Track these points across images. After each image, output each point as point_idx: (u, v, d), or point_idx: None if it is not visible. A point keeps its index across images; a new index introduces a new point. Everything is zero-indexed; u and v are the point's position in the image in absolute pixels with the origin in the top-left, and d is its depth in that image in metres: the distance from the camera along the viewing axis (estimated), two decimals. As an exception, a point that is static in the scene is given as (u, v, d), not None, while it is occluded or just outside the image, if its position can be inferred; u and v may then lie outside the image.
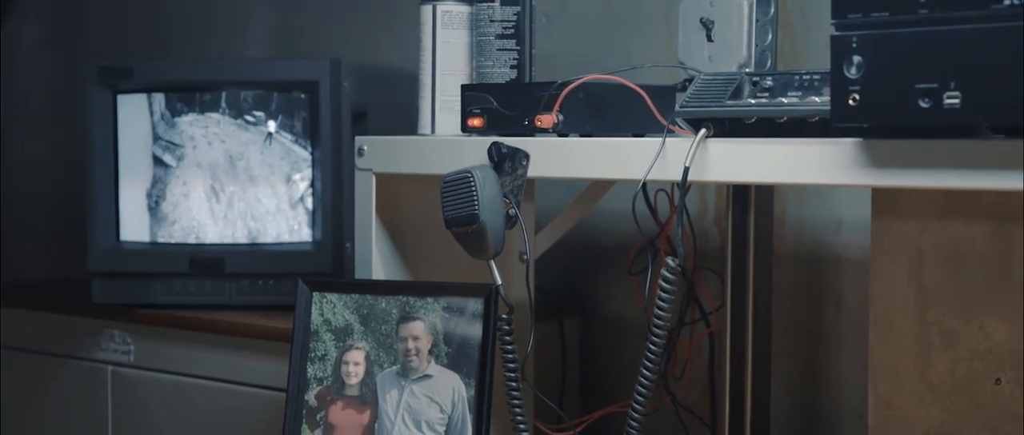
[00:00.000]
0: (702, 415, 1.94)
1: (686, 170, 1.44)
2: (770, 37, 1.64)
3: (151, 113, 2.24)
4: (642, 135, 1.63)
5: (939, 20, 1.22)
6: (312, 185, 2.19)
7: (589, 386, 2.25)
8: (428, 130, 1.86)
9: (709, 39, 1.64)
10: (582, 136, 1.63)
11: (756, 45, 1.62)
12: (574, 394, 2.21)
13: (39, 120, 3.18)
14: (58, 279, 2.91)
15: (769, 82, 1.44)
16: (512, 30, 1.79)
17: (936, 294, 1.58)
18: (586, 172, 1.61)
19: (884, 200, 1.62)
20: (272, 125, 2.20)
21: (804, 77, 1.42)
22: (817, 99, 1.39)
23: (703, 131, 1.45)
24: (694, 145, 1.44)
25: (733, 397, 1.84)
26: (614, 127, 1.65)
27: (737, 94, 1.45)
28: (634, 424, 1.54)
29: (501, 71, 1.79)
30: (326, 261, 2.17)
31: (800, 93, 1.41)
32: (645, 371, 1.52)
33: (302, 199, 2.20)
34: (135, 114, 2.24)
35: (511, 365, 1.64)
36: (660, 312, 1.51)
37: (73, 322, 2.38)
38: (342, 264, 2.17)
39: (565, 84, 1.61)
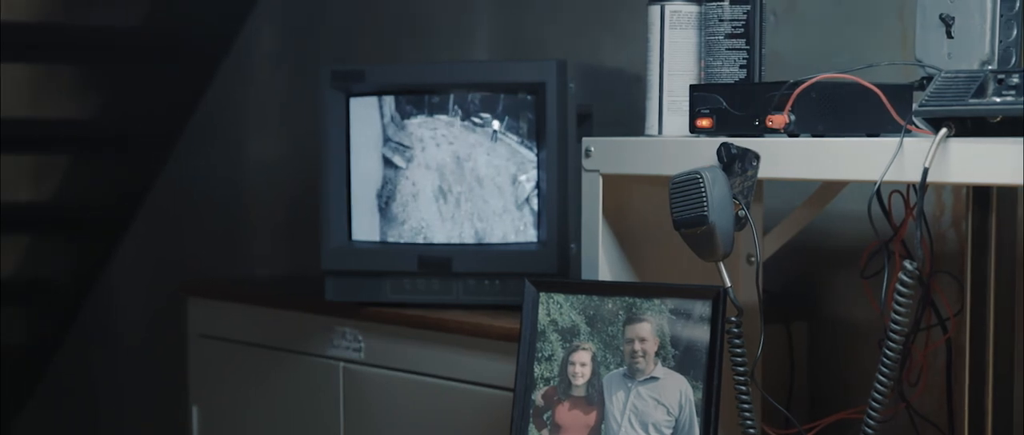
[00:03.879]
0: (939, 423, 1.88)
1: (925, 171, 1.40)
2: (1015, 32, 1.57)
3: (381, 115, 2.29)
4: (876, 135, 1.59)
5: None
6: (537, 186, 2.21)
7: (817, 391, 2.21)
8: (655, 131, 1.85)
9: (949, 36, 1.58)
10: (814, 136, 1.60)
11: (999, 41, 1.56)
12: (802, 399, 2.17)
13: (274, 122, 3.29)
14: (291, 276, 3.00)
15: (1016, 79, 1.38)
16: (742, 29, 1.77)
17: None
18: (819, 173, 1.58)
19: None
20: (498, 125, 2.22)
21: (1053, 74, 1.36)
22: (1068, 96, 1.34)
23: (944, 131, 1.40)
24: (934, 145, 1.40)
25: (972, 406, 1.77)
26: (847, 127, 1.61)
27: (981, 92, 1.40)
28: (869, 431, 1.50)
29: (730, 71, 1.77)
30: (551, 261, 2.18)
31: (1049, 90, 1.35)
32: (881, 377, 1.48)
33: (528, 200, 2.22)
34: (366, 116, 2.29)
35: (740, 368, 1.62)
36: (897, 317, 1.47)
37: (306, 319, 2.44)
38: (567, 264, 2.18)
39: (797, 83, 1.58)
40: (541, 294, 1.74)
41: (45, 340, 3.94)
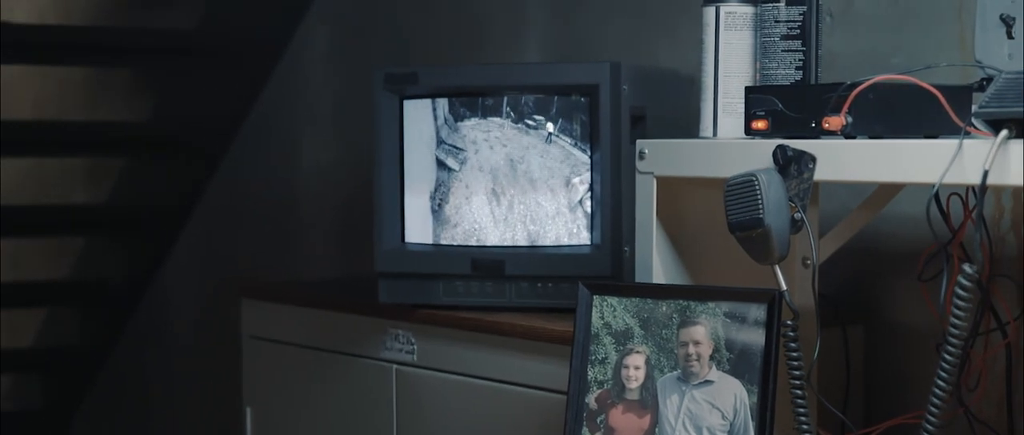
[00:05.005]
0: (998, 429, 1.85)
1: (985, 174, 1.38)
2: (1077, 33, 1.55)
3: (435, 118, 2.29)
4: (935, 137, 1.58)
5: None
6: (591, 188, 2.20)
7: (874, 395, 2.19)
8: (709, 133, 1.84)
9: (1009, 36, 1.56)
10: (871, 138, 1.59)
11: (1062, 42, 1.54)
12: (858, 403, 2.15)
13: (328, 125, 3.30)
14: (344, 278, 3.00)
15: (1078, 80, 1.36)
16: (797, 30, 1.76)
17: None
18: (876, 175, 1.56)
19: None
20: (551, 127, 2.21)
21: (1117, 74, 1.34)
22: None
23: (1004, 133, 1.38)
24: (995, 147, 1.38)
25: (1032, 411, 1.75)
26: (905, 129, 1.59)
27: (1042, 93, 1.38)
28: (927, 437, 1.49)
29: (786, 72, 1.76)
30: (605, 264, 2.17)
31: (1113, 91, 1.33)
32: (940, 381, 1.47)
33: (581, 202, 2.21)
34: (420, 119, 2.29)
35: (796, 372, 1.60)
36: (956, 321, 1.45)
37: (359, 321, 2.45)
38: (620, 267, 2.17)
39: (854, 85, 1.57)
40: (595, 297, 1.73)
41: (100, 341, 3.98)
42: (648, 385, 1.69)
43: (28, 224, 3.80)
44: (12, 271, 4.03)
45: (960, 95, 1.57)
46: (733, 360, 1.63)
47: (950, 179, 1.45)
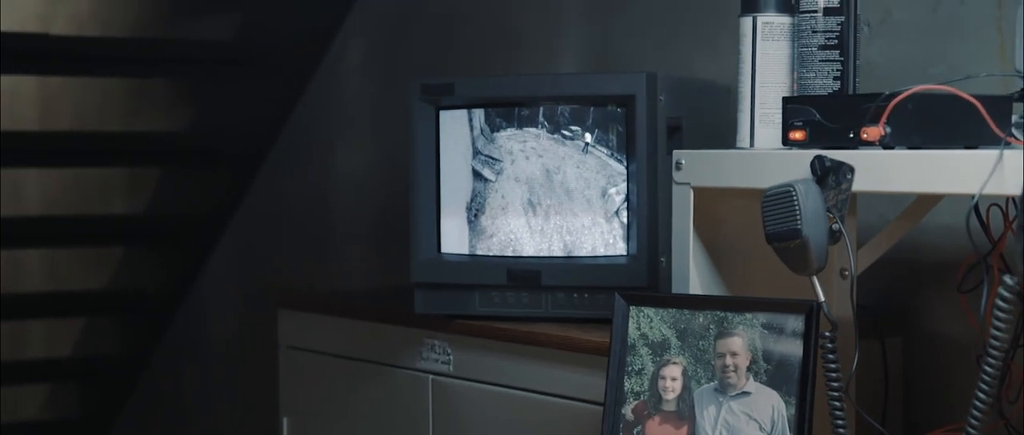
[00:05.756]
0: (1038, 442, 1.84)
1: (1026, 184, 1.37)
2: (1118, 42, 1.54)
3: (471, 128, 2.29)
4: (974, 147, 1.57)
5: None
6: (627, 199, 2.19)
7: (912, 407, 2.17)
8: (746, 143, 1.84)
9: (1049, 46, 1.55)
10: (910, 149, 1.58)
11: (1103, 51, 1.53)
12: (897, 415, 2.14)
13: (364, 135, 3.31)
14: (380, 289, 3.01)
15: (1120, 90, 1.35)
16: (835, 41, 1.75)
17: None
18: (915, 186, 1.55)
19: None
20: (588, 138, 2.21)
21: None
22: None
23: (1046, 143, 1.37)
24: (1035, 158, 1.37)
25: (1073, 424, 1.73)
26: (944, 139, 1.58)
27: (1083, 103, 1.37)
28: (967, 450, 1.48)
29: (823, 83, 1.75)
30: (641, 275, 2.16)
31: None
32: (980, 394, 1.45)
33: (617, 212, 2.21)
34: (456, 129, 2.29)
35: (834, 384, 1.60)
36: (996, 333, 1.44)
37: (396, 331, 2.45)
38: (657, 278, 2.17)
39: (893, 95, 1.56)
40: (631, 308, 1.73)
41: (138, 350, 4.00)
42: (685, 396, 1.68)
43: (67, 234, 3.83)
44: (51, 281, 4.06)
45: (1000, 105, 1.56)
46: (771, 371, 1.63)
47: (990, 190, 1.44)
